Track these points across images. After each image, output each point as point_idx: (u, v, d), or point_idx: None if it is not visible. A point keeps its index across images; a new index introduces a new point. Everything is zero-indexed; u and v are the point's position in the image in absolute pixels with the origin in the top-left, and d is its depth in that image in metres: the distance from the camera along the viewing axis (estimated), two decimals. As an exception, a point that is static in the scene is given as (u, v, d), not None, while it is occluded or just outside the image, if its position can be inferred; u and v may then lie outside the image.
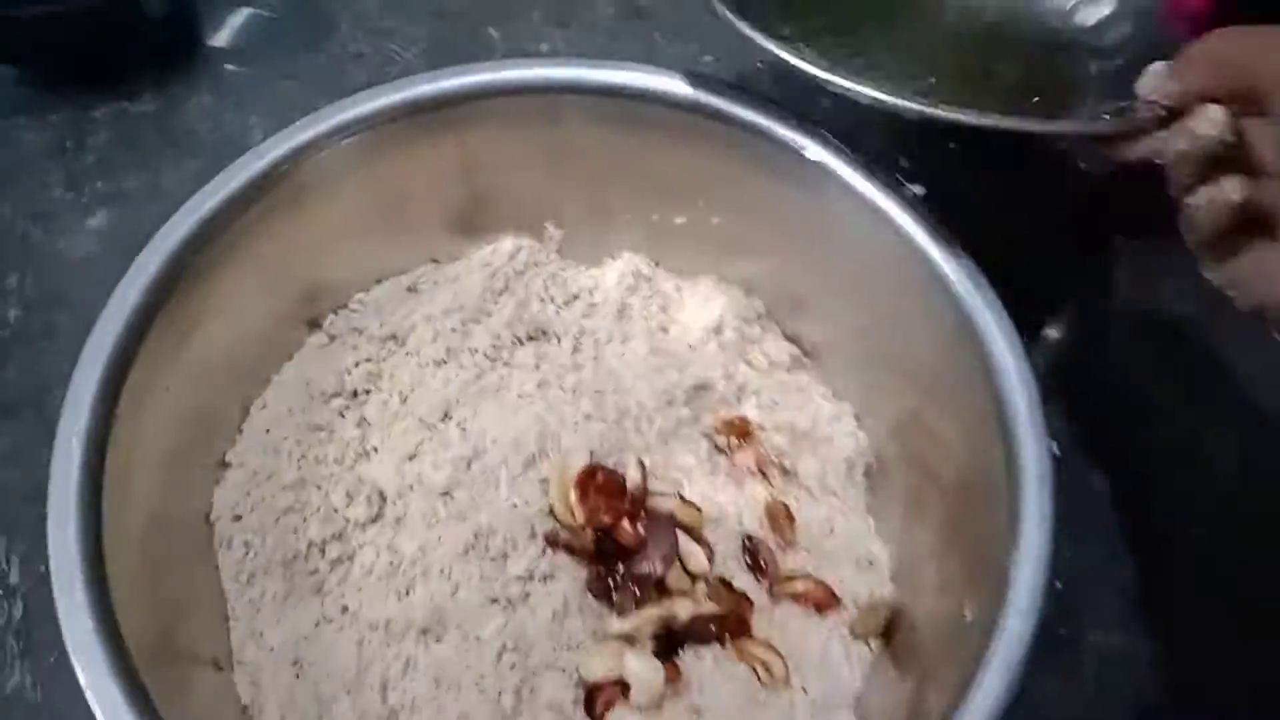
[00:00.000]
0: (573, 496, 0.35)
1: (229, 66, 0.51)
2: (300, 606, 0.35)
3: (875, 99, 0.33)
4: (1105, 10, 0.38)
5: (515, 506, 0.36)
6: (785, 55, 0.34)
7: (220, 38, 0.52)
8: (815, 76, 0.33)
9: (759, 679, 0.35)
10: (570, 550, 0.35)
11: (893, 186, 0.37)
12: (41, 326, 0.43)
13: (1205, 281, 0.31)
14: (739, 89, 0.39)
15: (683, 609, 0.35)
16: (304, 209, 0.38)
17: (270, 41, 0.52)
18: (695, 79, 0.39)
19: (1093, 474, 0.42)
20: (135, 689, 0.28)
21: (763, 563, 0.37)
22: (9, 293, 0.44)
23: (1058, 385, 0.41)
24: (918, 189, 0.48)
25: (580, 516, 0.35)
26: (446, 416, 0.38)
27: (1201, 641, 0.40)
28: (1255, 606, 0.40)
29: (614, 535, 0.36)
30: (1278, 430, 0.44)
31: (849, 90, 0.33)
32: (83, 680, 0.27)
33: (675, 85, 0.39)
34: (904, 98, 0.32)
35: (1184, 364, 0.46)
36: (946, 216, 0.37)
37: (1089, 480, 0.42)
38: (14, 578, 0.38)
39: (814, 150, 0.38)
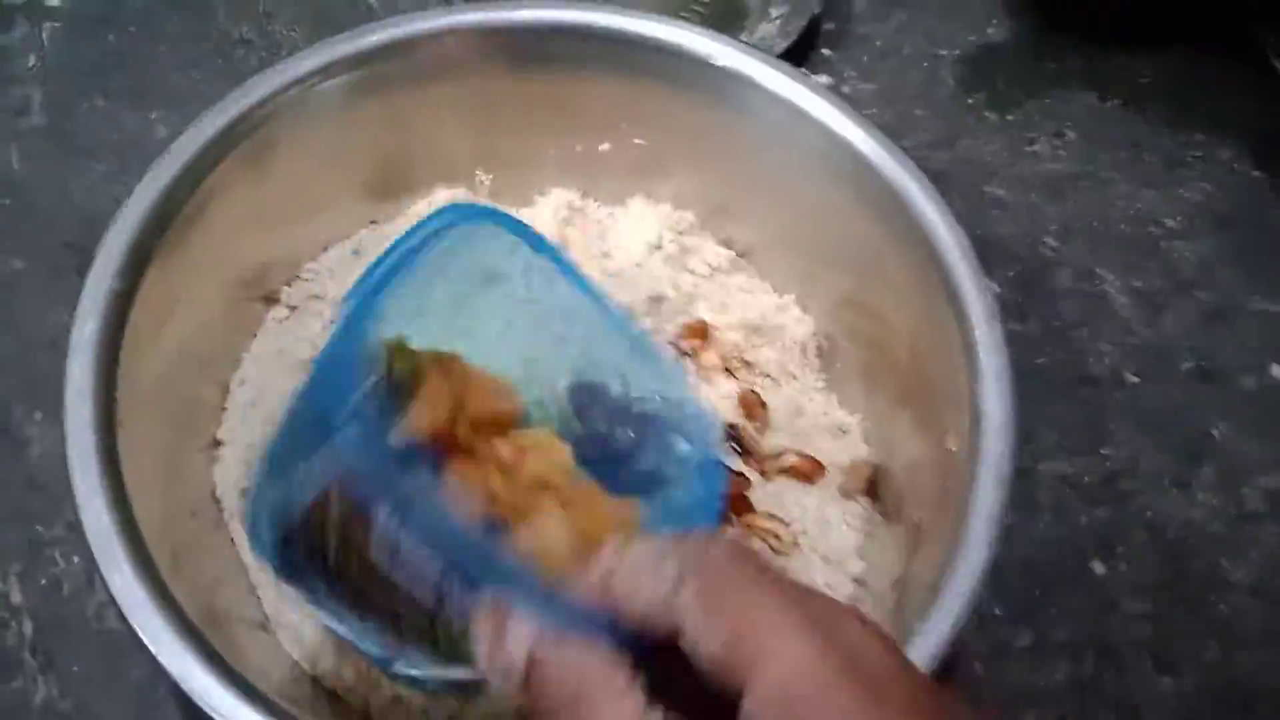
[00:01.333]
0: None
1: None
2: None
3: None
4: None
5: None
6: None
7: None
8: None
9: (771, 548, 0.37)
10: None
11: (802, 80, 0.40)
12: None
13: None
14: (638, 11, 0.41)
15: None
16: (245, 188, 0.38)
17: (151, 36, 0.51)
18: (598, 7, 0.41)
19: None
20: (202, 647, 0.28)
21: (749, 446, 0.40)
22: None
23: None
24: (824, 79, 0.52)
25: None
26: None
27: (1140, 461, 0.44)
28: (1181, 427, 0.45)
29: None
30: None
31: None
32: (153, 649, 0.28)
33: (582, 16, 0.41)
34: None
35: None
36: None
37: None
38: (16, 597, 0.37)
39: (723, 57, 0.40)
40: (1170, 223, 0.51)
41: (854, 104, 0.52)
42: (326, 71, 0.39)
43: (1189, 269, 0.49)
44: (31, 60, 0.50)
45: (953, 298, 0.36)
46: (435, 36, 0.40)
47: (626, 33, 0.41)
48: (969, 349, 0.35)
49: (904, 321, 0.39)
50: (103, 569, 0.29)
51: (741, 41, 0.42)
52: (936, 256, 0.37)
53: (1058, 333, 0.47)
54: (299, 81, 0.38)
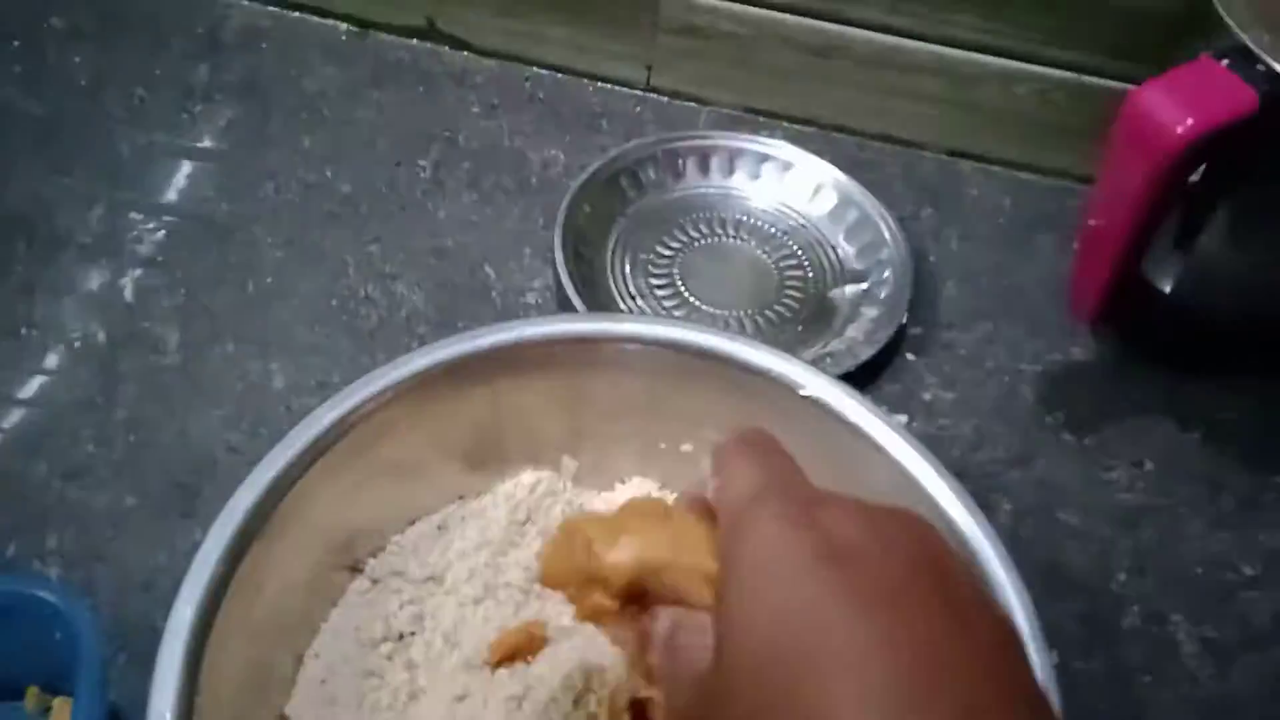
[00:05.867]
0: (625, 725, 0.38)
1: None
2: None
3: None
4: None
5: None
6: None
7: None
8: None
9: None
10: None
11: (881, 417, 0.42)
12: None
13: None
14: (739, 335, 0.44)
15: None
16: (349, 465, 0.41)
17: (284, 289, 0.56)
18: (695, 326, 0.45)
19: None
20: None
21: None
22: (50, 553, 0.45)
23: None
24: (901, 418, 0.54)
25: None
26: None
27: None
28: None
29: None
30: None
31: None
32: None
33: (681, 334, 0.44)
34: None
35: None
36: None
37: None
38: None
39: (813, 387, 0.43)
40: (1246, 570, 0.50)
41: (932, 412, 0.54)
42: (439, 368, 0.42)
43: (1263, 621, 0.49)
44: (172, 302, 0.54)
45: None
46: (544, 343, 0.43)
47: (722, 352, 0.44)
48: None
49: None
50: None
51: (828, 360, 0.44)
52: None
53: (1121, 677, 0.47)
54: (418, 374, 0.41)
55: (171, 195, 0.59)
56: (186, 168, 0.61)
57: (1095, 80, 0.62)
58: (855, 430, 0.42)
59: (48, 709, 0.41)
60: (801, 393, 0.43)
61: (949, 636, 0.24)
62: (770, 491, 0.29)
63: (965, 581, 0.26)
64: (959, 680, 0.23)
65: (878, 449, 0.42)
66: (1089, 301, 0.52)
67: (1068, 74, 0.62)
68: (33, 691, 0.41)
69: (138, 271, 0.55)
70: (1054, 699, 0.35)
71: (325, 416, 0.40)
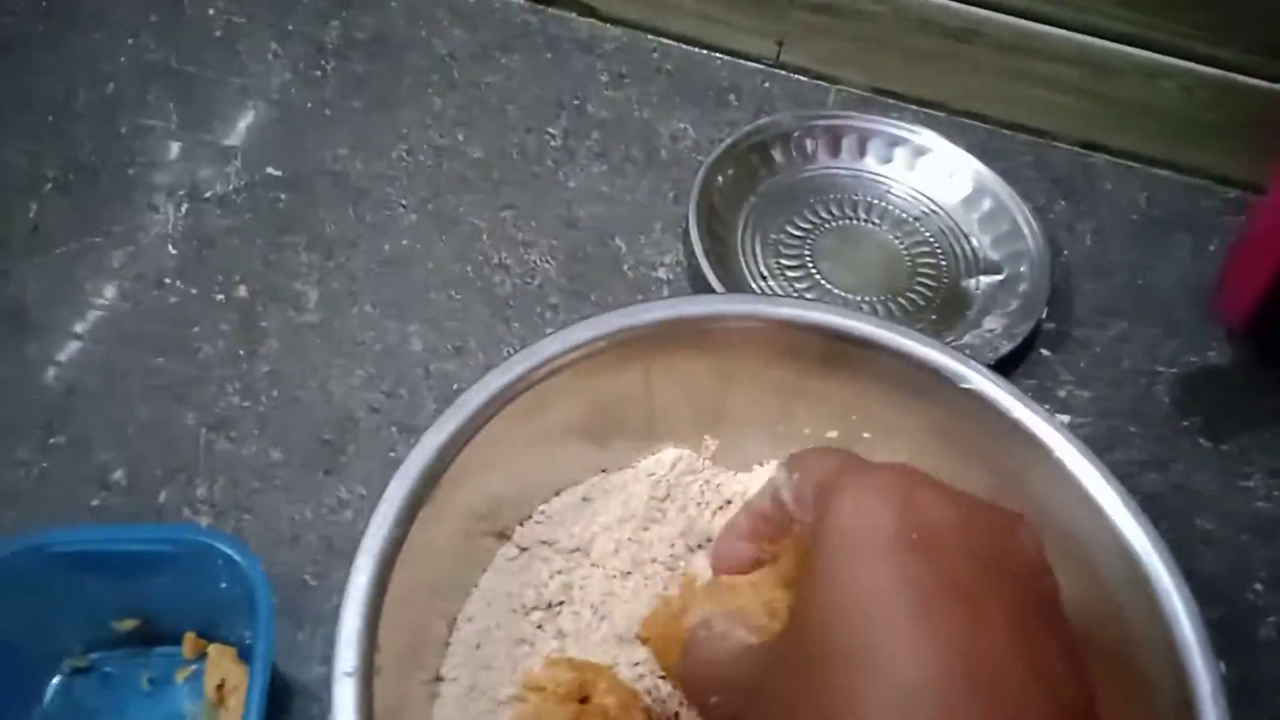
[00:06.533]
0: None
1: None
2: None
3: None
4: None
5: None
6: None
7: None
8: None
9: None
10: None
11: (1044, 416, 0.42)
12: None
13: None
14: (892, 321, 0.44)
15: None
16: (508, 433, 0.41)
17: (421, 254, 0.56)
18: (852, 314, 0.44)
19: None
20: None
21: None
22: (199, 501, 0.46)
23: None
24: (1064, 418, 0.53)
25: None
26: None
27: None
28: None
29: None
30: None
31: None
32: None
33: (840, 321, 0.44)
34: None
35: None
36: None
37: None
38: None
39: (973, 380, 0.42)
40: (1385, 587, 0.49)
41: (1067, 410, 0.53)
42: (599, 340, 0.42)
43: (1403, 643, 0.48)
44: (312, 259, 0.55)
45: (1177, 676, 0.36)
46: (701, 321, 0.43)
47: (879, 341, 0.43)
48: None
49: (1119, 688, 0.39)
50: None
51: (967, 351, 0.44)
52: (1166, 629, 0.37)
53: (1256, 690, 0.46)
54: (582, 345, 0.41)
55: (303, 154, 0.60)
56: (319, 125, 0.61)
57: (1245, 79, 0.60)
58: (1017, 427, 0.41)
59: (203, 654, 0.41)
60: (963, 385, 0.42)
61: (1005, 651, 0.23)
62: (858, 464, 0.28)
63: (1046, 596, 0.26)
64: (996, 696, 0.22)
65: (1039, 448, 0.41)
66: (1241, 308, 0.51)
67: (1217, 71, 0.60)
68: (189, 637, 0.41)
69: (273, 229, 0.56)
70: (1221, 710, 0.35)
71: (494, 383, 0.40)
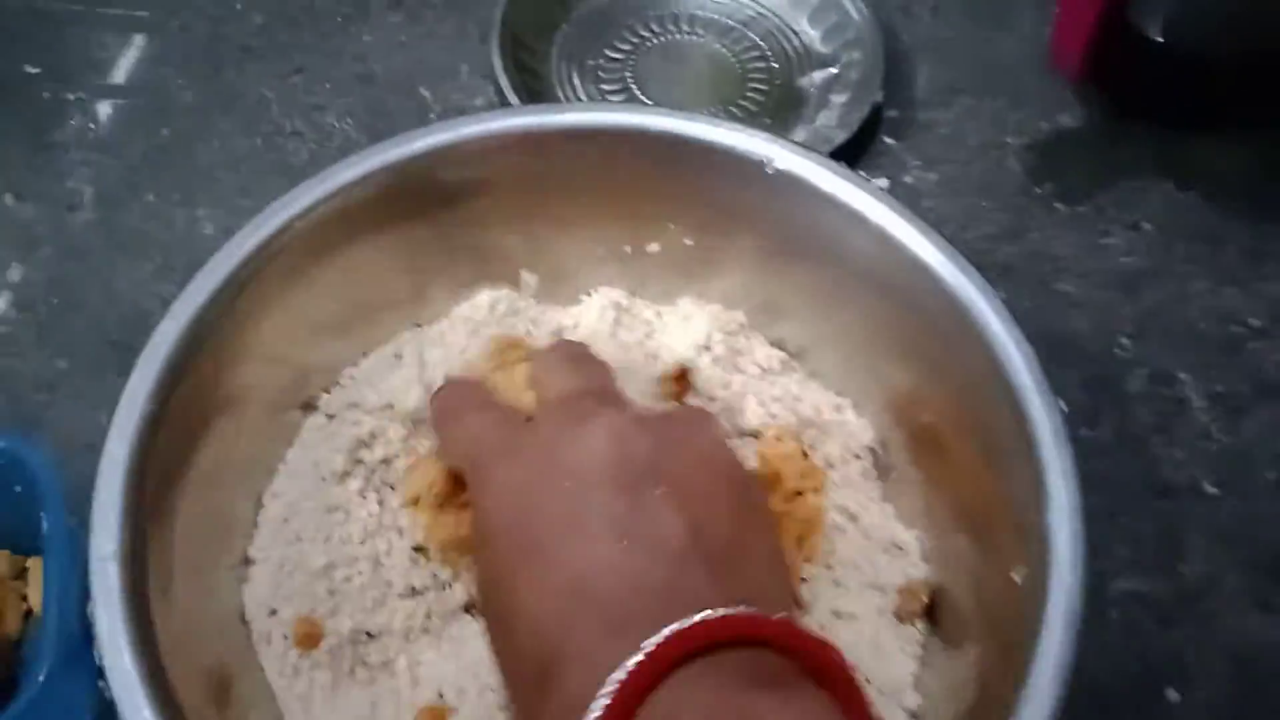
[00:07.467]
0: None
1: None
2: (351, 694, 0.34)
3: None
4: None
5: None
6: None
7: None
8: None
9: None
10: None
11: (860, 184, 0.39)
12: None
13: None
14: (695, 113, 0.40)
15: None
16: (288, 293, 0.38)
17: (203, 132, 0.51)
18: (646, 109, 0.40)
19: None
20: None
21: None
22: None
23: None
24: (882, 182, 0.50)
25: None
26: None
27: (1217, 582, 0.41)
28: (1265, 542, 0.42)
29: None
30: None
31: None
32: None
33: (632, 118, 0.40)
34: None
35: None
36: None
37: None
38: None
39: (781, 160, 0.39)
40: (1254, 321, 0.48)
41: (917, 195, 0.51)
42: (372, 178, 0.38)
43: (1272, 371, 0.46)
44: (83, 155, 0.50)
45: (1019, 419, 0.34)
46: (482, 141, 0.39)
47: (679, 134, 0.40)
48: (1037, 477, 0.33)
49: (965, 437, 0.37)
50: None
51: (797, 140, 0.41)
52: (1001, 374, 0.34)
53: (1131, 439, 0.45)
54: (344, 189, 0.38)
55: (63, 41, 0.54)
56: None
57: None
58: (832, 201, 0.39)
59: (23, 570, 0.38)
60: (769, 169, 0.39)
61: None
62: (591, 397, 0.33)
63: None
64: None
65: (858, 218, 0.38)
66: (1073, 55, 0.48)
67: None
68: (4, 555, 0.38)
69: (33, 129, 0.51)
70: (1067, 457, 0.33)
71: (246, 242, 0.36)
